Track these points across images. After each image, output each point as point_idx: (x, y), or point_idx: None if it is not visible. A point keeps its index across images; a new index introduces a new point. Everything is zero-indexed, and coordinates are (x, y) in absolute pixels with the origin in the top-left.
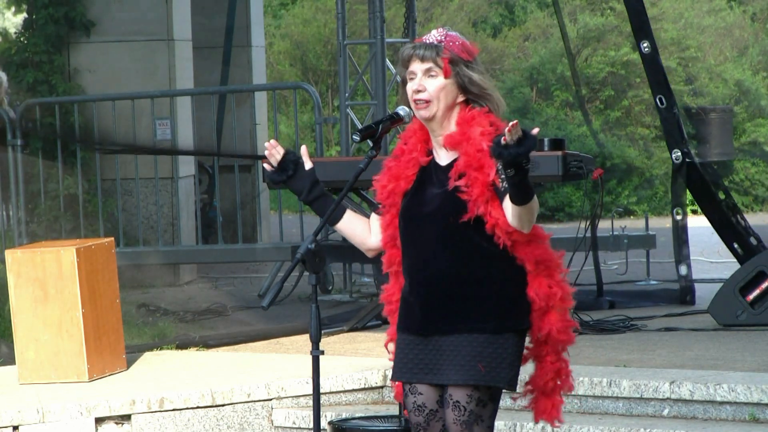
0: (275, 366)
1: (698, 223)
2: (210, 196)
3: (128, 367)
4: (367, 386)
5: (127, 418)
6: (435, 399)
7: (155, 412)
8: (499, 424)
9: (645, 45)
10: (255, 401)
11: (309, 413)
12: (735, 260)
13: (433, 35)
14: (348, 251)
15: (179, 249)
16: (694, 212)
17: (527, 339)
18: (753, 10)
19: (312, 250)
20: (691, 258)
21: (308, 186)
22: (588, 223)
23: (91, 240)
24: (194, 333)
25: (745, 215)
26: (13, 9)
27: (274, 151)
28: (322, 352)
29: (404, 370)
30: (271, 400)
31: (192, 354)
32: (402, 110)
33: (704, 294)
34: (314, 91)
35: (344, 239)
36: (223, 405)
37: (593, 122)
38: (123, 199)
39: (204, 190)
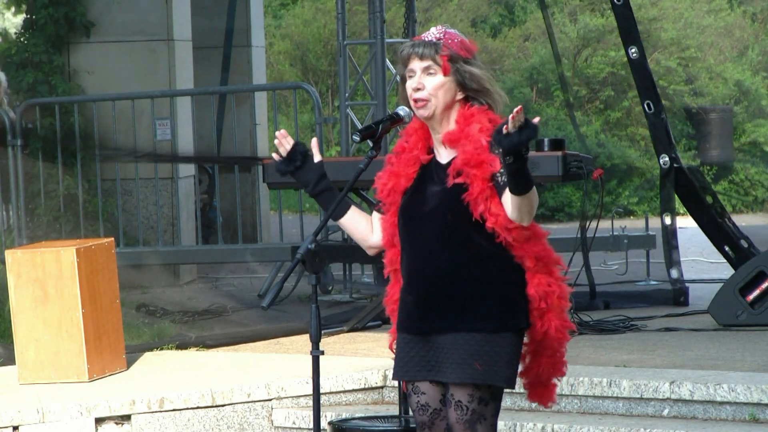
0: (275, 366)
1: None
2: (210, 196)
3: (128, 367)
4: (367, 386)
5: (127, 418)
6: (438, 398)
7: (155, 412)
8: (499, 424)
9: (633, 50)
10: (255, 401)
11: (309, 413)
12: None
13: (432, 33)
14: (348, 251)
15: (179, 249)
16: None
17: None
18: (753, 11)
19: (312, 250)
20: (691, 258)
21: (315, 179)
22: (588, 224)
23: (91, 240)
24: (194, 333)
25: (746, 215)
26: (13, 9)
27: (283, 141)
28: (322, 352)
29: (406, 369)
30: (271, 400)
31: (192, 354)
32: (402, 110)
33: (704, 294)
34: (314, 91)
35: (344, 239)
36: (223, 405)
37: (593, 123)
38: (123, 199)
39: (204, 190)
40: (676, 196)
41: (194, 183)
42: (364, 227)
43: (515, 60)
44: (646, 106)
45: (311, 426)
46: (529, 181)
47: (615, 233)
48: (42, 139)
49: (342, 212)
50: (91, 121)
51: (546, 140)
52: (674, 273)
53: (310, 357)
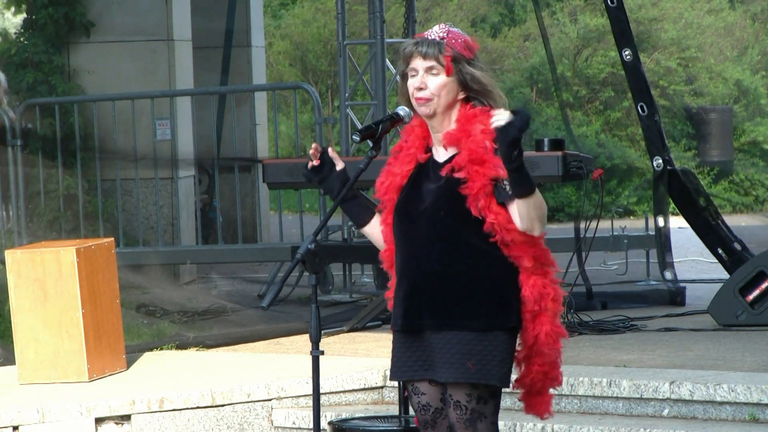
0: (275, 366)
1: None
2: (210, 196)
3: (128, 367)
4: (367, 386)
5: (127, 418)
6: (438, 397)
7: (155, 412)
8: (499, 423)
9: (627, 53)
10: (255, 401)
11: (309, 413)
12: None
13: (435, 32)
14: (348, 251)
15: (179, 249)
16: None
17: (517, 342)
18: (754, 11)
19: (312, 250)
20: (691, 258)
21: (338, 186)
22: (587, 225)
23: (91, 240)
24: (194, 333)
25: (745, 215)
26: (13, 9)
27: (316, 153)
28: (322, 352)
29: (403, 369)
30: (271, 400)
31: (192, 354)
32: (402, 110)
33: (704, 294)
34: (314, 91)
35: (344, 239)
36: (223, 405)
37: (593, 123)
38: (123, 199)
39: (204, 190)
40: (669, 198)
41: (194, 183)
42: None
43: (515, 60)
44: (639, 108)
45: (311, 426)
46: (531, 181)
47: (615, 233)
48: (42, 139)
49: (366, 219)
50: (91, 121)
51: (546, 140)
52: (668, 275)
53: (310, 357)
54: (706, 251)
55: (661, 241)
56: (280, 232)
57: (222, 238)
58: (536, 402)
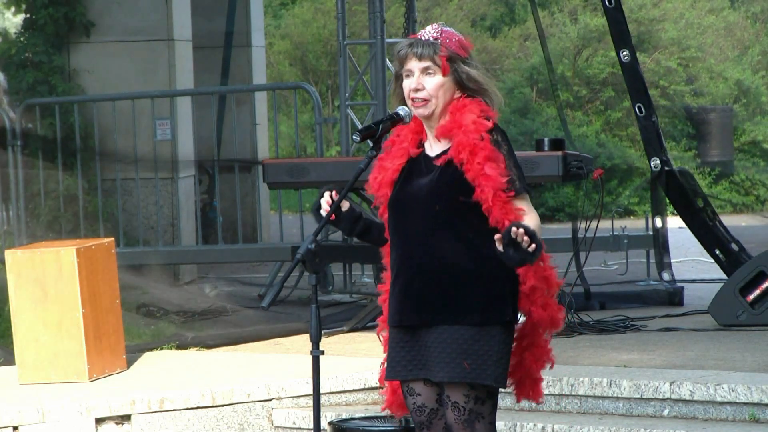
0: (275, 366)
1: None
2: (210, 196)
3: (128, 367)
4: (367, 386)
5: (127, 418)
6: (434, 398)
7: (155, 412)
8: (499, 424)
9: (624, 53)
10: (255, 401)
11: (309, 413)
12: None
13: (428, 32)
14: (348, 251)
15: (179, 249)
16: None
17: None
18: (754, 10)
19: (312, 251)
20: (692, 258)
21: (350, 225)
22: (587, 225)
23: (91, 240)
24: (194, 333)
25: (745, 215)
26: (13, 9)
27: (327, 205)
28: (322, 352)
29: (398, 369)
30: (271, 400)
31: (192, 354)
32: (402, 110)
33: (704, 294)
34: (314, 91)
35: (344, 239)
36: (223, 405)
37: (593, 123)
38: (123, 199)
39: (204, 190)
40: (666, 199)
41: (194, 183)
42: None
43: (515, 60)
44: (637, 109)
45: (311, 426)
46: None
47: (615, 233)
48: (42, 139)
49: (381, 239)
50: (91, 121)
51: (546, 140)
52: (666, 275)
53: (310, 357)
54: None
55: (659, 242)
56: (280, 232)
57: (222, 238)
58: (529, 387)
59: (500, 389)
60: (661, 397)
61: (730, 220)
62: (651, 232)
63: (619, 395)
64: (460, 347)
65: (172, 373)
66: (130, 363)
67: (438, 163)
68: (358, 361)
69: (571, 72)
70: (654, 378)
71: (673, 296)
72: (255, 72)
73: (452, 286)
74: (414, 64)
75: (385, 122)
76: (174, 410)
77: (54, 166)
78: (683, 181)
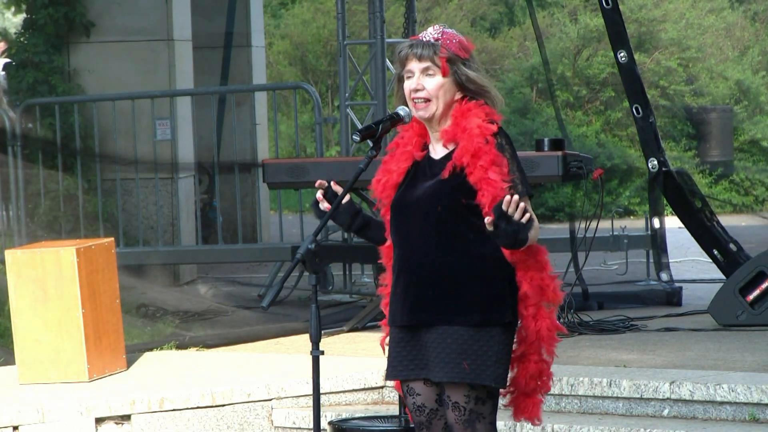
0: (275, 366)
1: None
2: (210, 196)
3: (128, 367)
4: (367, 386)
5: (127, 418)
6: (433, 398)
7: (155, 412)
8: (499, 424)
9: (622, 54)
10: (255, 401)
11: (309, 413)
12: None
13: (430, 33)
14: (348, 251)
15: (179, 249)
16: None
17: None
18: (754, 10)
19: (312, 251)
20: (692, 258)
21: (349, 219)
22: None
23: (91, 240)
24: (194, 333)
25: (745, 215)
26: (13, 9)
27: (322, 186)
28: (322, 352)
29: (399, 368)
30: (271, 400)
31: (192, 354)
32: (402, 110)
33: (704, 294)
34: (314, 91)
35: (344, 239)
36: (223, 405)
37: (593, 123)
38: (123, 199)
39: (204, 190)
40: (664, 199)
41: (194, 183)
42: None
43: (515, 60)
44: (634, 110)
45: (311, 426)
46: (527, 234)
47: (615, 233)
48: (42, 139)
49: (381, 237)
50: (91, 121)
51: (546, 140)
52: (664, 276)
53: (310, 357)
54: None
55: (657, 242)
56: (280, 232)
57: (222, 238)
58: (527, 405)
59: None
60: (660, 397)
61: (730, 220)
62: (650, 233)
63: (619, 395)
64: (460, 347)
65: (172, 373)
66: (130, 363)
67: (442, 165)
68: (358, 361)
69: (571, 72)
70: (654, 378)
71: (671, 296)
72: (255, 72)
73: (452, 286)
74: (414, 65)
75: (385, 122)
76: (174, 410)
77: (54, 166)
78: (681, 181)
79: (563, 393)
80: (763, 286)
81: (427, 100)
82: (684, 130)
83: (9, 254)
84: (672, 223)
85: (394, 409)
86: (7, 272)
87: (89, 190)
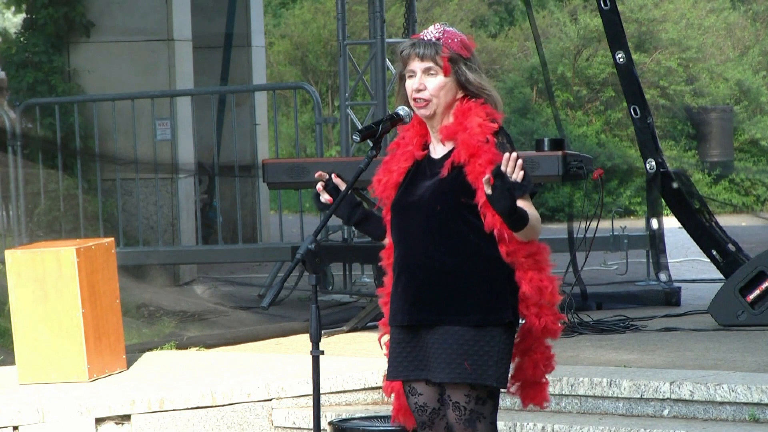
0: (275, 366)
1: None
2: (210, 196)
3: (128, 367)
4: (367, 386)
5: (127, 418)
6: (435, 398)
7: (155, 412)
8: (499, 424)
9: (620, 56)
10: (255, 401)
11: (309, 413)
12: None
13: (431, 32)
14: (348, 251)
15: (179, 249)
16: None
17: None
18: (755, 10)
19: (312, 251)
20: (692, 258)
21: (349, 211)
22: (587, 225)
23: (91, 240)
24: (194, 333)
25: (745, 215)
26: (13, 9)
27: (323, 177)
28: (322, 352)
29: (400, 369)
30: (271, 400)
31: (192, 354)
32: (402, 110)
33: (704, 294)
34: (314, 91)
35: (344, 239)
36: (223, 405)
37: (593, 123)
38: (123, 199)
39: (204, 190)
40: (663, 200)
41: (194, 183)
42: None
43: (515, 60)
44: (632, 111)
45: (311, 426)
46: (525, 217)
47: (615, 233)
48: (42, 139)
49: (381, 232)
50: (91, 121)
51: (546, 140)
52: (663, 276)
53: (310, 357)
54: None
55: (655, 242)
56: (280, 232)
57: (222, 238)
58: (533, 391)
59: (501, 389)
60: (661, 397)
61: (730, 221)
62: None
63: (619, 395)
64: (461, 348)
65: (171, 373)
66: (130, 363)
67: (442, 164)
68: (358, 361)
69: (571, 72)
70: (654, 378)
71: (670, 296)
72: (255, 72)
73: (453, 286)
74: (416, 65)
75: (385, 122)
76: (174, 410)
77: (54, 166)
78: (679, 182)
79: (563, 393)
80: (763, 286)
81: (428, 100)
82: (684, 130)
83: (9, 254)
84: (671, 223)
85: None
86: (7, 272)
87: (89, 190)
